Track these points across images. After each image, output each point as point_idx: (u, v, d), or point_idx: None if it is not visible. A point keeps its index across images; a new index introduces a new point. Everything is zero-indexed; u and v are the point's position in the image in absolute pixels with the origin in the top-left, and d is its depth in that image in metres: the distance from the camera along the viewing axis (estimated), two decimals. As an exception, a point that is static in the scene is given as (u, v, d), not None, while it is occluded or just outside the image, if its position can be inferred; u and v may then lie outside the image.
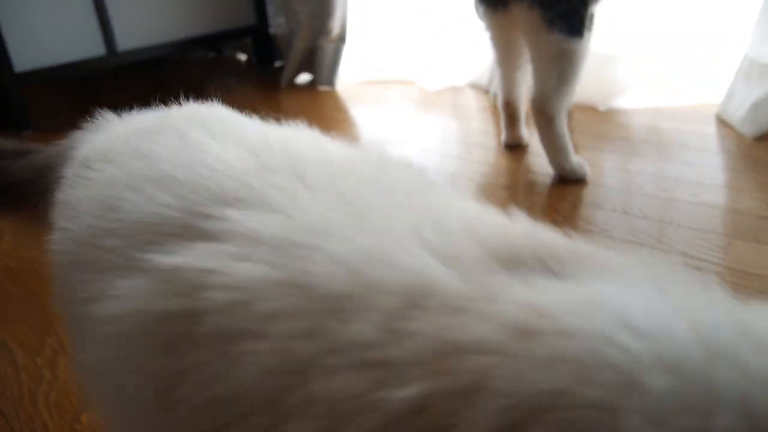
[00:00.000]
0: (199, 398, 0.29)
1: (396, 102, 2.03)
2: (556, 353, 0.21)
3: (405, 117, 1.84)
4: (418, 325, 0.25)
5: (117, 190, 0.41)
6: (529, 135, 1.44)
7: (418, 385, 0.23)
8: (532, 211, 0.95)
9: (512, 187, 1.25)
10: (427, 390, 0.23)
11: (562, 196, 1.20)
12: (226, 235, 0.33)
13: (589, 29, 1.18)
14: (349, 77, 2.33)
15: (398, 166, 0.41)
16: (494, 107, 1.76)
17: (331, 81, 2.23)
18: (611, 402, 0.20)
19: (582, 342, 0.21)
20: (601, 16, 1.55)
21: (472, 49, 2.06)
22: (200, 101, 0.56)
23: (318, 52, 2.24)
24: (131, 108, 0.57)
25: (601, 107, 1.71)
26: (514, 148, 1.44)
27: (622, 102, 1.70)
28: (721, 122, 1.51)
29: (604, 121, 1.61)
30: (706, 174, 1.23)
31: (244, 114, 0.52)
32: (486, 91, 2.00)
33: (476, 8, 1.34)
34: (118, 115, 0.56)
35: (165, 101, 0.56)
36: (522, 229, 0.32)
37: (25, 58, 1.95)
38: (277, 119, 0.50)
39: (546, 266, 0.27)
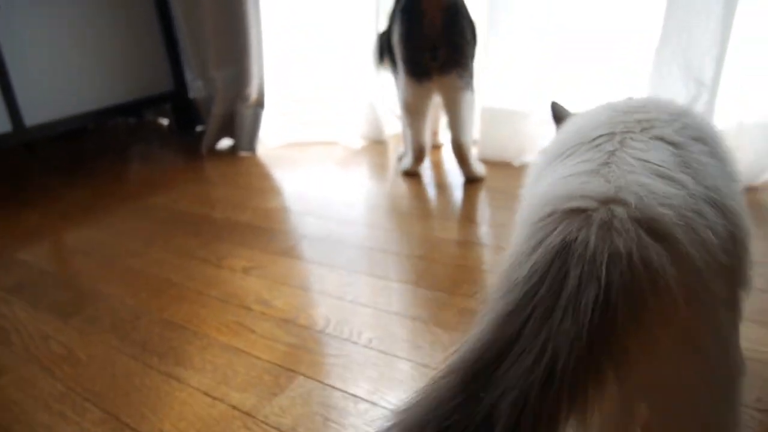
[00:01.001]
0: None
1: (318, 164, 2.02)
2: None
3: (327, 181, 1.82)
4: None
5: None
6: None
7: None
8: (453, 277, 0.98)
9: (433, 258, 1.24)
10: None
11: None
12: None
13: None
14: (272, 140, 2.31)
15: None
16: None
17: (251, 146, 2.20)
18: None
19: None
20: (516, 75, 1.63)
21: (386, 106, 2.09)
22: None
23: (237, 117, 2.22)
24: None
25: (516, 162, 1.74)
26: (412, 176, 1.77)
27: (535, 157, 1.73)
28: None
29: (518, 176, 1.63)
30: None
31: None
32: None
33: (401, 82, 1.64)
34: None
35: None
36: None
37: None
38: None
39: None
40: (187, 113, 2.66)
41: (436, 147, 1.98)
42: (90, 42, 2.30)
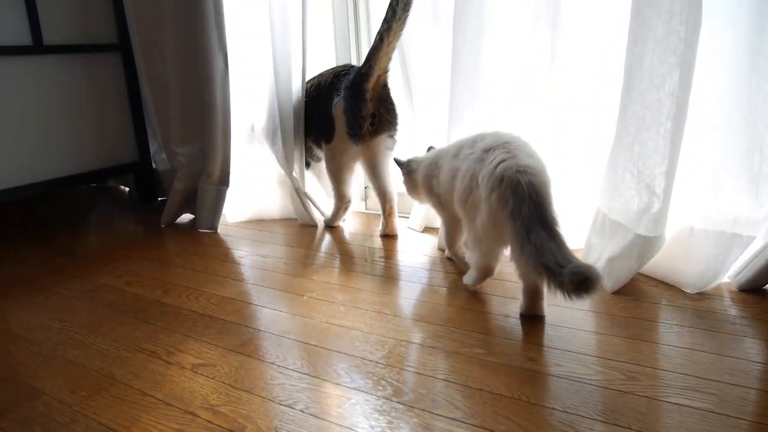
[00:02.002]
0: None
1: (277, 242, 2.00)
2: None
3: (284, 265, 1.80)
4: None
5: None
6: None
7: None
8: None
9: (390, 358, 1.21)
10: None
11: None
12: None
13: None
14: (233, 215, 2.29)
15: None
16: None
17: (212, 224, 2.17)
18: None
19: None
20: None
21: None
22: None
23: (199, 194, 2.19)
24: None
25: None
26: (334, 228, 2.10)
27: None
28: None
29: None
30: (571, 338, 1.25)
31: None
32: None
33: (338, 147, 1.98)
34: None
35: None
36: None
37: None
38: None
39: None
40: (149, 184, 2.63)
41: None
42: (55, 109, 2.27)
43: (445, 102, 1.76)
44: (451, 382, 1.10)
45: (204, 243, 2.06)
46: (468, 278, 1.51)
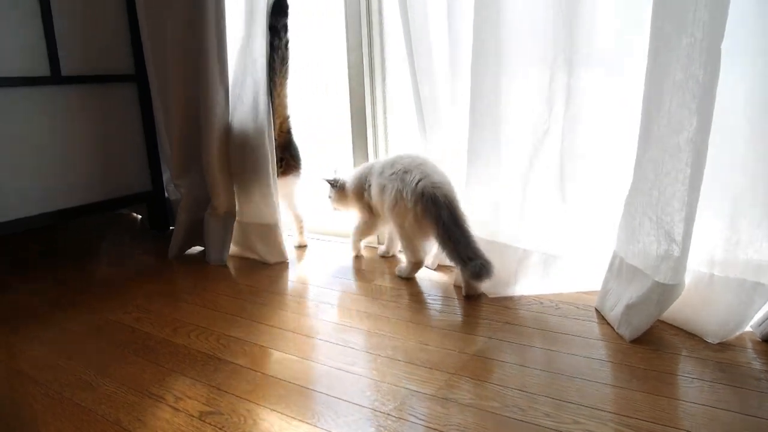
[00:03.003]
0: None
1: (286, 278, 1.98)
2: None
3: (294, 298, 1.78)
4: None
5: None
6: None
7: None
8: None
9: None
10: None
11: None
12: None
13: None
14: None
15: None
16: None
17: (220, 257, 2.16)
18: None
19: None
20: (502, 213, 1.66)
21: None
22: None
23: (205, 227, 2.18)
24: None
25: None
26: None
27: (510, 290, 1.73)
28: (601, 318, 1.55)
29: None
30: (591, 394, 1.22)
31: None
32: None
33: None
34: None
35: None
36: None
37: None
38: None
39: None
40: (162, 212, 2.63)
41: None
42: (71, 139, 2.29)
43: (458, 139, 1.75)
44: (465, 438, 1.07)
45: (213, 277, 2.05)
46: (402, 271, 1.93)
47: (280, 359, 1.41)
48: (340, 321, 1.62)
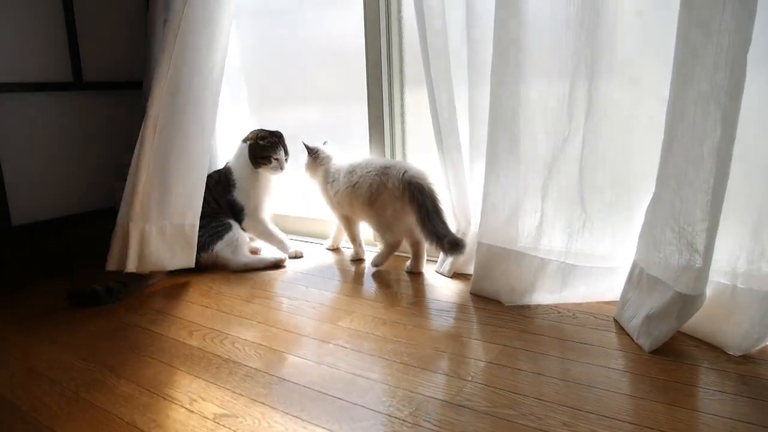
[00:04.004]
0: None
1: (303, 284, 1.98)
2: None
3: (311, 303, 1.78)
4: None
5: None
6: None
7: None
8: None
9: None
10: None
11: None
12: None
13: None
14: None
15: None
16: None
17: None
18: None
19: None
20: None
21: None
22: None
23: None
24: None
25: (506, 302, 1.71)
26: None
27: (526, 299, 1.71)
28: (620, 328, 1.52)
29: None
30: (607, 403, 1.20)
31: None
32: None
33: None
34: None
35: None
36: None
37: None
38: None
39: None
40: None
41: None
42: (91, 142, 2.32)
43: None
44: (481, 446, 1.06)
45: (230, 281, 2.05)
46: (378, 259, 2.06)
47: (297, 364, 1.41)
48: (356, 327, 1.61)
